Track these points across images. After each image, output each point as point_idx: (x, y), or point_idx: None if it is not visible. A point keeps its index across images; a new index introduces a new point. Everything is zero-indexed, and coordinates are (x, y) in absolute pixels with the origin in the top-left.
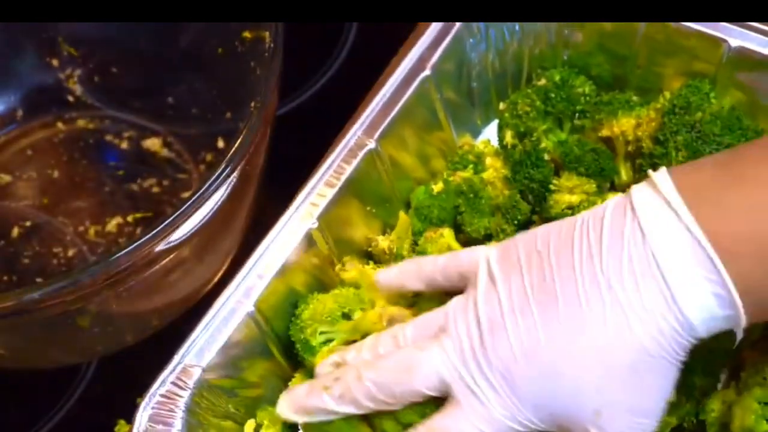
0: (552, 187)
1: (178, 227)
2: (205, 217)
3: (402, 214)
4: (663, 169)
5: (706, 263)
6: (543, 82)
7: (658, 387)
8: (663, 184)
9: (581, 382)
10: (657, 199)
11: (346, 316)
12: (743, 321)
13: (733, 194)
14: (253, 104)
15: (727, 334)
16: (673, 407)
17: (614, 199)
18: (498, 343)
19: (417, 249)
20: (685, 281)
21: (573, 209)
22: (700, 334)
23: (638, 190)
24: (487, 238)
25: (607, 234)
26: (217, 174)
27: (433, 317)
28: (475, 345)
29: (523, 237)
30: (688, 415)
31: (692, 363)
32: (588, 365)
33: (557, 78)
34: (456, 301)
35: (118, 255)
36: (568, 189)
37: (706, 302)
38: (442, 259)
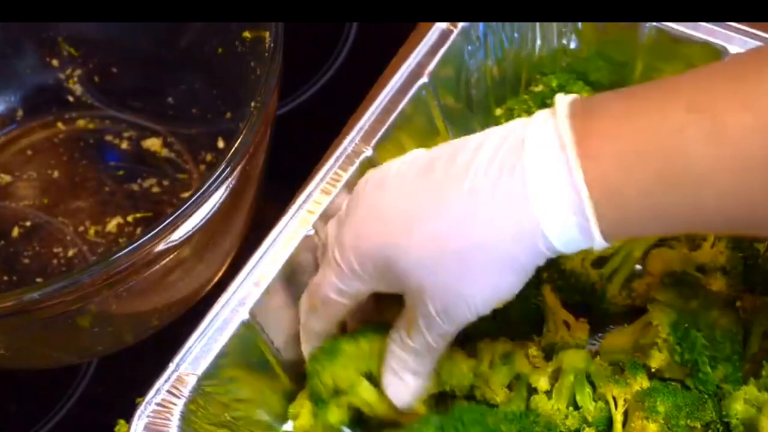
0: None
1: (178, 227)
2: (205, 217)
3: None
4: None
5: (561, 174)
6: (540, 88)
7: (490, 283)
8: (561, 104)
9: (413, 255)
10: (546, 116)
11: (367, 375)
12: (596, 233)
13: (605, 110)
14: (253, 104)
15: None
16: (695, 411)
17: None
18: (355, 210)
19: None
20: (538, 179)
21: None
22: (550, 242)
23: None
24: None
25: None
26: (217, 174)
27: None
28: (341, 218)
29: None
30: (714, 423)
31: (708, 360)
32: (423, 244)
33: (554, 84)
34: None
35: (118, 255)
36: None
37: (557, 203)
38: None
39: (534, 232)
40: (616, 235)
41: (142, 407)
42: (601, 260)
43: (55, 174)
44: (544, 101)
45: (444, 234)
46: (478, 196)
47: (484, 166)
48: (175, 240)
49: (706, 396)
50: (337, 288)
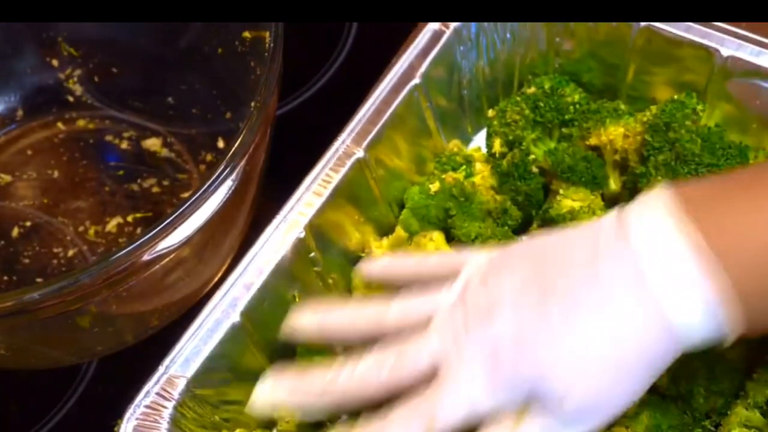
0: (562, 191)
1: (177, 227)
2: (205, 217)
3: (399, 229)
4: (662, 184)
5: (692, 269)
6: (532, 89)
7: (631, 390)
8: (656, 197)
9: (556, 374)
10: (648, 210)
11: None
12: (730, 331)
13: (727, 204)
14: (253, 104)
15: (735, 349)
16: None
17: (610, 212)
18: (491, 327)
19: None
20: (669, 286)
21: (573, 213)
22: (685, 341)
23: (634, 203)
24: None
25: (601, 243)
26: (217, 174)
27: (420, 303)
28: (469, 326)
29: (518, 245)
30: None
31: (703, 392)
32: (568, 363)
33: (547, 86)
34: (448, 290)
35: (118, 255)
36: (572, 199)
37: (691, 308)
38: (434, 257)
39: (664, 328)
40: (752, 332)
41: (131, 410)
42: None
43: (55, 174)
44: (537, 104)
45: (588, 353)
46: (610, 312)
47: (607, 280)
48: (175, 240)
49: (692, 426)
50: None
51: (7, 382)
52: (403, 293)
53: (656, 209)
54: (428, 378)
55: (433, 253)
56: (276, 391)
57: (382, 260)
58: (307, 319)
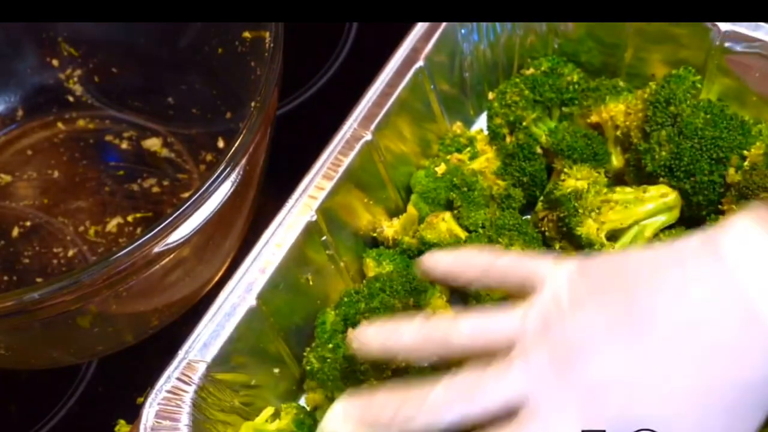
0: (566, 170)
1: (177, 227)
2: (205, 217)
3: (410, 208)
4: (741, 210)
5: None
6: (531, 71)
7: (753, 418)
8: (741, 220)
9: (672, 424)
10: (739, 233)
11: None
12: None
13: None
14: (253, 104)
15: None
16: None
17: (689, 234)
18: (587, 370)
19: (417, 235)
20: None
21: (578, 193)
22: None
23: (719, 226)
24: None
25: (692, 269)
26: (217, 174)
27: (493, 324)
28: (560, 366)
29: (596, 263)
30: None
31: None
32: (683, 410)
33: (545, 66)
34: (525, 312)
35: (118, 255)
36: (576, 177)
37: None
38: (505, 260)
39: None
40: None
41: (152, 395)
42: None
43: (55, 174)
44: (536, 84)
45: (704, 394)
46: (717, 348)
47: (707, 314)
48: (175, 240)
49: None
50: None
51: (7, 382)
52: (471, 310)
53: (747, 232)
54: (504, 415)
55: (503, 253)
56: (346, 419)
57: (449, 255)
58: (371, 336)
